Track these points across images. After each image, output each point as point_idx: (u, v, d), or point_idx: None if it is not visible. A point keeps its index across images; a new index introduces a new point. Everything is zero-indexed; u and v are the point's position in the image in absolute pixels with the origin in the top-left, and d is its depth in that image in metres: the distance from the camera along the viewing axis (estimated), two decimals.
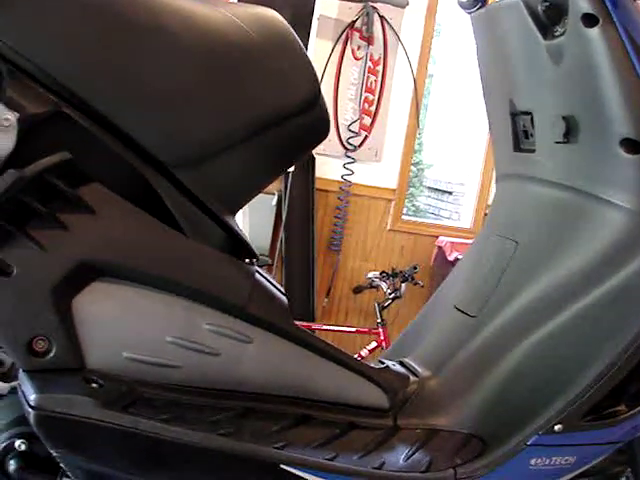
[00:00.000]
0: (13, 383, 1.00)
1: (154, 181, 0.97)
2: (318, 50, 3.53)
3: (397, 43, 3.72)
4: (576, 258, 1.18)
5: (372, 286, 3.47)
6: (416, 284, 3.38)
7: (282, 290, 1.12)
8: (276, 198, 3.55)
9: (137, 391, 0.94)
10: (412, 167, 4.63)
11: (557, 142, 1.23)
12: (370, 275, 3.47)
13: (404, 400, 1.19)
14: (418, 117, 3.89)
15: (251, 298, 1.01)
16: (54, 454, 0.89)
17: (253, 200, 1.13)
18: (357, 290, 3.61)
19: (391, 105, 3.78)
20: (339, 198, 3.74)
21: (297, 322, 1.10)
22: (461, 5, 1.43)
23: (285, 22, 1.08)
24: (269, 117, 1.03)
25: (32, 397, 0.87)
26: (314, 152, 3.46)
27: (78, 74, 0.91)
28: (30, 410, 0.87)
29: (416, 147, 4.77)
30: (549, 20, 1.21)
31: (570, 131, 1.21)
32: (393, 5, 3.48)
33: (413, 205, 7.84)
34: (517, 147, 1.38)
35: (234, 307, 1.01)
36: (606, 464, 1.30)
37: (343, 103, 3.69)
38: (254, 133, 1.02)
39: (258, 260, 1.12)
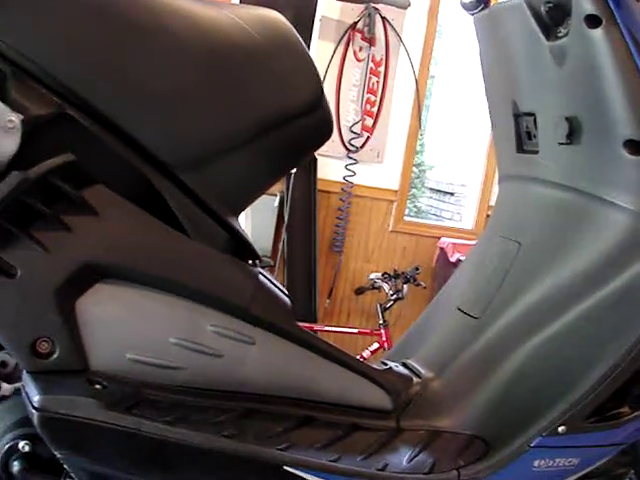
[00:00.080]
0: (17, 384, 0.99)
1: (157, 182, 0.97)
2: (320, 51, 3.53)
3: (399, 44, 3.72)
4: (579, 259, 1.18)
5: (374, 287, 3.46)
6: (418, 285, 3.38)
7: (285, 291, 1.12)
8: (278, 199, 3.55)
9: (140, 392, 0.94)
10: (414, 168, 4.62)
11: (560, 143, 1.23)
12: (372, 276, 3.46)
13: (407, 401, 1.19)
14: (420, 118, 3.89)
15: (254, 299, 1.01)
16: (58, 455, 0.89)
17: (255, 201, 1.13)
18: (359, 291, 3.60)
19: (393, 106, 3.78)
20: (341, 199, 3.74)
21: (299, 323, 1.10)
22: (464, 6, 1.43)
23: (288, 24, 1.08)
24: (272, 118, 1.03)
25: (36, 398, 0.87)
26: (316, 153, 3.46)
27: (81, 75, 0.91)
28: (34, 411, 0.87)
29: (418, 148, 4.78)
30: (552, 21, 1.21)
31: (573, 132, 1.21)
32: (395, 6, 3.48)
33: (415, 206, 7.84)
34: (520, 148, 1.38)
35: (237, 308, 1.01)
36: (610, 466, 1.29)
37: (345, 104, 3.69)
38: (257, 134, 1.02)
39: (261, 261, 1.12)
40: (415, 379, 1.25)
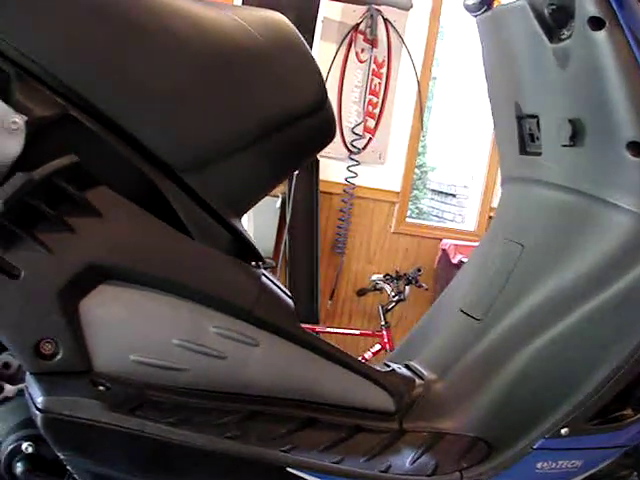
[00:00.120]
0: (20, 385, 0.99)
1: (161, 184, 0.97)
2: (322, 53, 3.53)
3: (401, 46, 3.72)
4: (582, 261, 1.18)
5: (376, 289, 3.46)
6: (420, 287, 3.38)
7: (288, 293, 1.12)
8: (280, 200, 3.55)
9: (144, 394, 0.94)
10: (416, 170, 4.63)
11: (563, 145, 1.23)
12: (374, 278, 3.47)
13: (410, 403, 1.19)
14: (422, 119, 3.89)
15: (258, 301, 1.01)
16: (61, 457, 0.89)
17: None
18: (361, 293, 3.60)
19: (395, 107, 3.78)
20: (343, 200, 3.74)
21: (301, 324, 1.10)
22: (467, 8, 1.43)
23: (292, 25, 1.08)
24: (276, 120, 1.03)
25: (39, 400, 0.87)
26: (318, 154, 3.46)
27: (85, 76, 0.91)
28: (37, 413, 0.87)
29: (420, 150, 4.77)
30: (555, 23, 1.21)
31: (576, 134, 1.21)
32: (397, 8, 3.48)
33: (417, 208, 7.84)
34: (523, 150, 1.38)
35: (241, 310, 1.01)
36: (612, 468, 1.29)
37: (347, 106, 3.69)
38: (260, 136, 1.02)
39: (264, 263, 1.12)
40: (418, 381, 1.25)
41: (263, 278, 1.05)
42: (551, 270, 1.22)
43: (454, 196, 6.65)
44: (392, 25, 3.66)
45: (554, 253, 1.23)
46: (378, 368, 1.24)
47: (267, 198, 1.20)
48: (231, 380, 1.02)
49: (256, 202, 1.12)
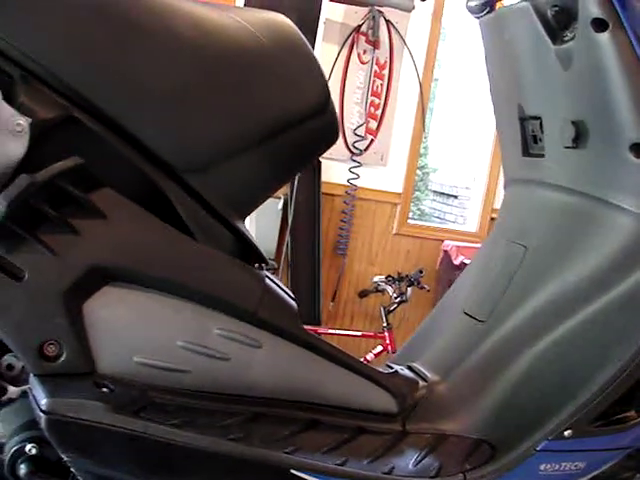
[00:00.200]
0: (24, 387, 0.99)
1: (164, 185, 0.97)
2: (324, 54, 3.53)
3: (403, 47, 3.72)
4: (585, 263, 1.18)
5: (378, 290, 3.46)
6: (422, 288, 3.38)
7: (291, 295, 1.12)
8: (282, 202, 3.55)
9: (148, 396, 0.94)
10: (418, 171, 4.63)
11: (566, 147, 1.23)
12: (376, 279, 3.46)
13: (413, 405, 1.19)
14: (424, 121, 3.89)
15: (261, 303, 1.01)
16: (65, 458, 0.89)
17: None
18: (363, 294, 3.60)
19: (397, 109, 3.79)
20: (345, 202, 3.74)
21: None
22: (470, 10, 1.43)
23: (295, 27, 1.08)
24: (279, 122, 1.03)
25: (43, 401, 0.87)
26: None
27: (89, 78, 0.91)
28: (41, 414, 0.87)
29: (422, 151, 4.77)
30: (558, 25, 1.21)
31: (579, 136, 1.21)
32: (399, 9, 3.49)
33: (418, 209, 7.84)
34: (526, 152, 1.38)
35: (245, 312, 1.01)
36: (616, 469, 1.29)
37: (349, 107, 3.69)
38: (264, 138, 1.03)
39: (267, 264, 1.12)
40: (421, 382, 1.25)
41: (266, 280, 1.05)
42: (554, 272, 1.21)
43: (456, 197, 6.65)
44: (394, 26, 3.67)
45: (557, 255, 1.23)
46: (381, 370, 1.24)
47: (269, 200, 1.20)
48: (234, 382, 1.02)
49: (259, 204, 1.12)
